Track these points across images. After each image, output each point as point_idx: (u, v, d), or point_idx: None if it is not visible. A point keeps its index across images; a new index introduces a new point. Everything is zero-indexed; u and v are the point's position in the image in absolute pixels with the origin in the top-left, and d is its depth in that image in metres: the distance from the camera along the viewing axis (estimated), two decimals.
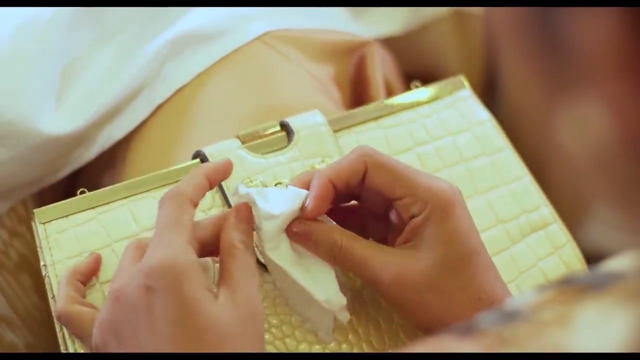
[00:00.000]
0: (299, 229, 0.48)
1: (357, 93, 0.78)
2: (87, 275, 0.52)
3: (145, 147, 0.70)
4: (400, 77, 0.83)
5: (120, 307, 0.44)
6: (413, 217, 0.48)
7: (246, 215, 0.48)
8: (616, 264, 0.30)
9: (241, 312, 0.43)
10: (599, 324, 0.26)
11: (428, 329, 0.48)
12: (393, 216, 0.51)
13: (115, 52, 0.72)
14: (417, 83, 0.64)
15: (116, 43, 0.72)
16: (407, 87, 0.65)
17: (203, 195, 0.48)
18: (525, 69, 0.20)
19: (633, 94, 0.17)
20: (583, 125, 0.19)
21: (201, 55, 0.72)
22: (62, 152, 0.69)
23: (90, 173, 0.74)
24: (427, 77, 0.67)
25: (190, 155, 0.59)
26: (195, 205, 0.47)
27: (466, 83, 0.65)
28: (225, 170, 0.50)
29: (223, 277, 0.45)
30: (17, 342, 0.73)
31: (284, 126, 0.60)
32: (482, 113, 0.63)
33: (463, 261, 0.47)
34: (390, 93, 0.79)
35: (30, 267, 0.74)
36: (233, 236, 0.46)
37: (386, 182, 0.48)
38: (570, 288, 0.29)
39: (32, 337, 0.74)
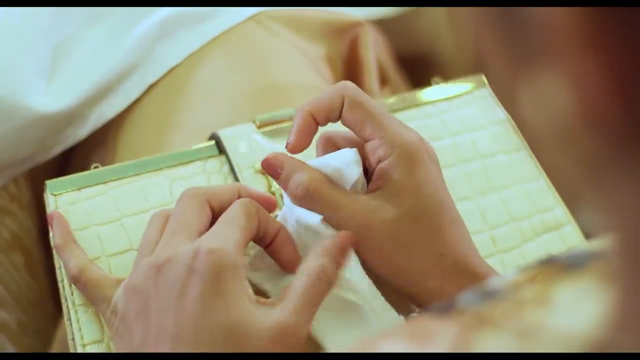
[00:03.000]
0: (270, 161, 0.48)
1: (349, 73, 0.78)
2: (70, 232, 0.52)
3: (138, 126, 0.70)
4: (393, 58, 0.83)
5: (158, 280, 0.43)
6: (380, 161, 0.47)
7: (344, 253, 0.45)
8: (598, 243, 0.30)
9: (276, 334, 0.41)
10: (574, 303, 0.26)
11: (392, 279, 0.47)
12: (367, 163, 0.50)
13: (106, 30, 0.71)
14: (438, 79, 0.64)
15: (108, 22, 0.72)
16: (399, 69, 0.65)
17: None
18: (491, 46, 0.20)
19: (593, 69, 0.17)
20: (545, 100, 0.19)
21: (194, 35, 0.72)
22: (53, 130, 0.69)
23: (82, 152, 0.74)
24: (419, 60, 0.66)
25: (183, 136, 0.59)
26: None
27: (486, 82, 0.65)
28: (266, 205, 0.49)
29: (287, 291, 0.43)
30: (8, 320, 0.73)
31: None
32: (500, 113, 0.63)
33: (428, 213, 0.46)
34: (382, 75, 0.79)
35: (22, 245, 0.74)
36: (323, 262, 0.44)
37: (358, 120, 0.47)
38: (550, 267, 0.30)
39: (23, 315, 0.74)
